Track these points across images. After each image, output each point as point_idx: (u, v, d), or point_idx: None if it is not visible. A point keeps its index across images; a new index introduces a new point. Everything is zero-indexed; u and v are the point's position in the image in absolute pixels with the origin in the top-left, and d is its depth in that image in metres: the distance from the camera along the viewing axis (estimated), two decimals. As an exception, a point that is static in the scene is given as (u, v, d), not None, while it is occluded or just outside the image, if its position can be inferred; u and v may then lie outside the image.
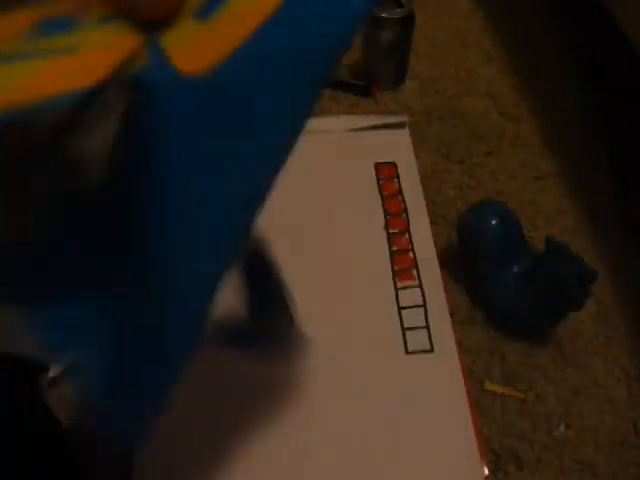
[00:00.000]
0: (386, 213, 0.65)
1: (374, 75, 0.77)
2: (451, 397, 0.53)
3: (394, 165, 0.69)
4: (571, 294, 0.53)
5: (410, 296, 0.59)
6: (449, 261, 0.62)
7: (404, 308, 0.58)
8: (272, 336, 0.41)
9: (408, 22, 0.73)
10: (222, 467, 0.50)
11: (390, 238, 0.63)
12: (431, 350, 0.56)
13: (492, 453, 0.51)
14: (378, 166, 0.69)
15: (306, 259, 0.62)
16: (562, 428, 0.52)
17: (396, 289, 0.60)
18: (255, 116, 0.25)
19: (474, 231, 0.58)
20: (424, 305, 0.58)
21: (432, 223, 0.64)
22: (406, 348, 0.56)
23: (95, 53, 0.22)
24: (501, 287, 0.56)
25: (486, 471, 0.50)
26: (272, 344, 0.42)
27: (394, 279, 0.60)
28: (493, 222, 0.56)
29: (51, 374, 0.57)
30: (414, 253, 0.62)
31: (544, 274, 0.54)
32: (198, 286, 0.27)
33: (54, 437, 0.51)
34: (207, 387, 0.54)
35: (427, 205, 0.66)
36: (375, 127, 0.72)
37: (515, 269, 0.56)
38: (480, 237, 0.57)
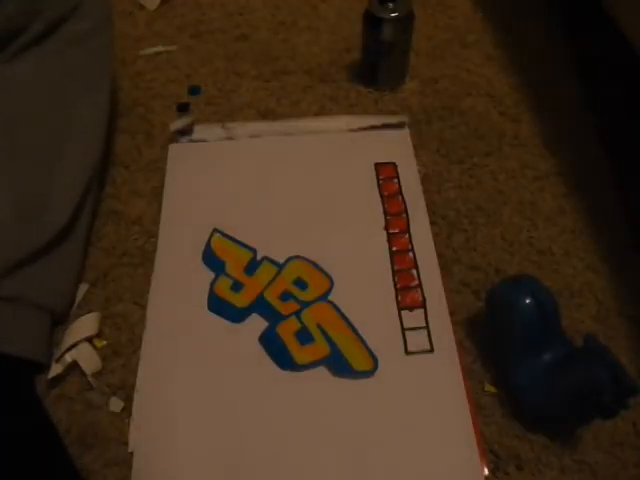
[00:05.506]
0: (386, 213, 0.65)
1: (374, 75, 0.77)
2: (451, 397, 0.53)
3: (394, 165, 0.69)
4: (603, 402, 0.47)
5: (410, 296, 0.59)
6: (449, 262, 0.62)
7: (404, 308, 0.58)
8: None
9: (408, 22, 0.72)
10: (222, 466, 0.50)
11: (390, 238, 0.63)
12: (431, 350, 0.56)
13: (492, 453, 0.51)
14: (378, 166, 0.69)
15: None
16: (562, 428, 0.52)
17: (396, 289, 0.60)
18: None
19: (505, 308, 0.53)
20: (424, 305, 0.58)
21: (432, 223, 0.64)
22: (406, 348, 0.56)
23: None
24: (531, 378, 0.52)
25: (486, 471, 0.50)
26: None
27: (394, 279, 0.60)
28: (527, 301, 0.51)
29: (51, 374, 0.57)
30: (414, 253, 0.62)
31: (577, 372, 0.49)
32: None
33: (51, 437, 0.51)
34: (206, 387, 0.54)
35: (427, 205, 0.66)
36: (375, 127, 0.72)
37: (546, 357, 0.51)
38: (511, 316, 0.52)
